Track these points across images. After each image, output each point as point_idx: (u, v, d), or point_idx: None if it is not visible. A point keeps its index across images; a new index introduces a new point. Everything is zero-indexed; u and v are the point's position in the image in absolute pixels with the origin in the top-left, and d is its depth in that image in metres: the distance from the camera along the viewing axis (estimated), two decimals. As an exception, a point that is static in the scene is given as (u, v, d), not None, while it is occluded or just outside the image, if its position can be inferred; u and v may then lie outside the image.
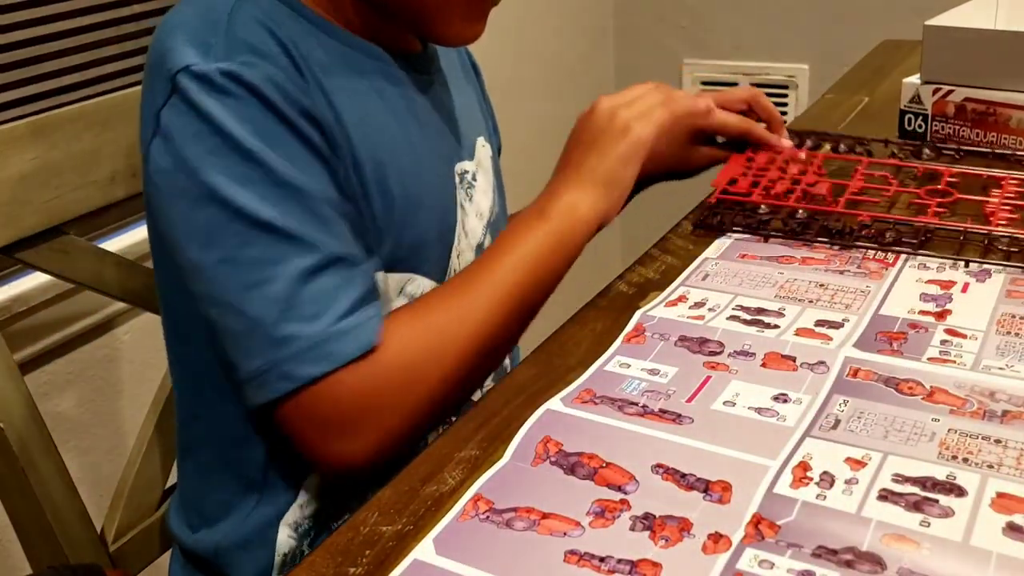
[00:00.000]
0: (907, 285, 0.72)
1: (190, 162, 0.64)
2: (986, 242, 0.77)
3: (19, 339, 1.12)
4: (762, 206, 0.86)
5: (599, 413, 0.59)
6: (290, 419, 0.65)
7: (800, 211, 0.84)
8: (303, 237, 0.63)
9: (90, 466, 1.20)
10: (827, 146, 0.98)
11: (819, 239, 0.80)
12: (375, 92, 0.74)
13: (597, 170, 0.75)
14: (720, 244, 0.82)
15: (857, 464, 0.53)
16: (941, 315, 0.68)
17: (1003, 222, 0.80)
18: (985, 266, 0.74)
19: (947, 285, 0.72)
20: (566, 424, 0.59)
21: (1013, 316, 0.67)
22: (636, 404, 0.60)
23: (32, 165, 0.77)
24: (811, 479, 0.52)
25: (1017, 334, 0.65)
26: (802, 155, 0.95)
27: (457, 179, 0.81)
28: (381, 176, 0.72)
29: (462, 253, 0.80)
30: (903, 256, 0.77)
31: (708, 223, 0.85)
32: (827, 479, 0.52)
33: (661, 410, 0.59)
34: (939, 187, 0.87)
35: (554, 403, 0.61)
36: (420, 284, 0.76)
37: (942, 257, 0.76)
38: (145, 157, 0.67)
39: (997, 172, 0.89)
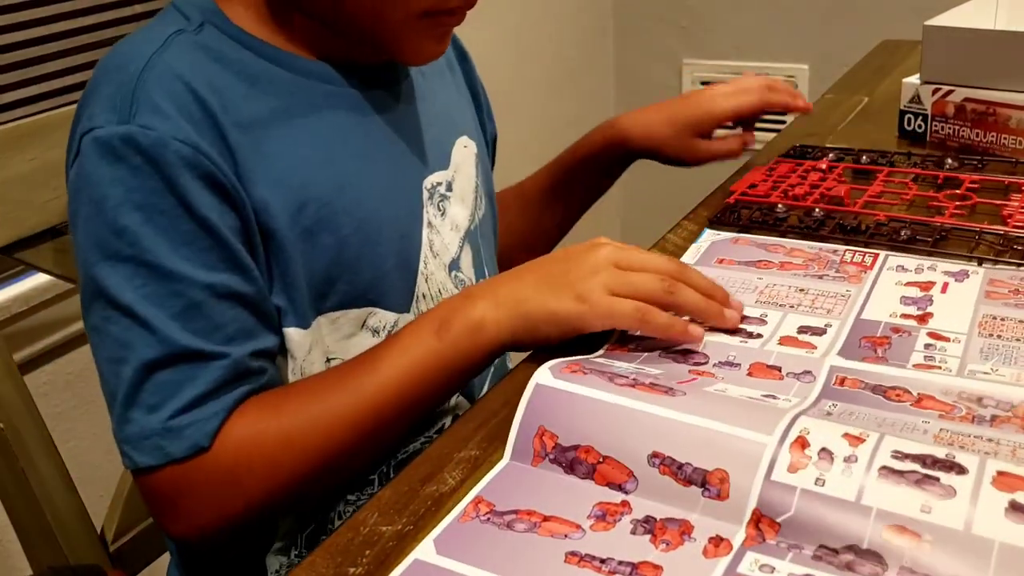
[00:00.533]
0: (887, 288, 0.72)
1: (77, 229, 0.65)
2: (1001, 242, 0.77)
3: (19, 339, 1.12)
4: (779, 205, 0.87)
5: (589, 385, 0.58)
6: (138, 486, 0.67)
7: (816, 210, 0.85)
8: (155, 328, 0.62)
9: (90, 466, 1.20)
10: (849, 158, 0.98)
11: (834, 236, 0.80)
12: (325, 124, 0.71)
13: (526, 304, 0.65)
14: (697, 249, 0.81)
15: (856, 440, 0.52)
16: (923, 318, 0.68)
17: (1021, 224, 0.80)
18: (963, 266, 0.74)
19: (926, 286, 0.72)
20: (559, 404, 0.57)
21: (994, 318, 0.67)
22: (626, 377, 0.59)
23: (32, 165, 0.77)
24: (809, 458, 0.51)
25: (999, 336, 0.65)
26: (823, 165, 0.95)
27: (426, 195, 0.78)
28: (330, 215, 0.69)
29: (431, 276, 0.77)
30: (880, 258, 0.77)
31: (725, 220, 0.86)
32: (826, 456, 0.51)
33: (652, 384, 0.58)
34: (958, 192, 0.87)
35: (543, 375, 0.59)
36: (382, 317, 0.74)
37: (919, 257, 0.76)
38: None
39: (1020, 179, 0.89)
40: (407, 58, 0.75)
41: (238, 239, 0.65)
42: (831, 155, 0.98)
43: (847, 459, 0.51)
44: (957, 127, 1.01)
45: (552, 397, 0.58)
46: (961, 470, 0.50)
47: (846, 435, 0.53)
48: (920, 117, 1.04)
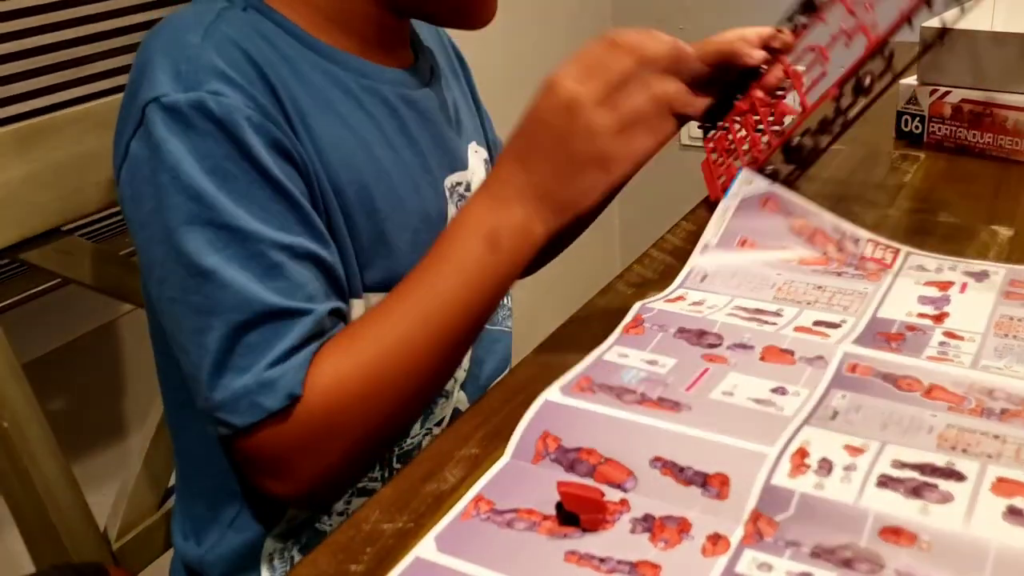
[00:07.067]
0: (905, 287, 0.73)
1: (146, 198, 0.64)
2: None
3: (21, 339, 1.12)
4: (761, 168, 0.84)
5: (597, 402, 0.59)
6: (232, 452, 0.67)
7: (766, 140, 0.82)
8: (240, 290, 0.62)
9: (93, 465, 1.21)
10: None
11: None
12: (362, 112, 0.73)
13: (560, 195, 0.64)
14: (721, 217, 0.80)
15: (855, 451, 0.53)
16: (939, 318, 0.68)
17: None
18: (984, 266, 0.75)
19: (945, 286, 0.72)
20: (565, 416, 0.59)
21: (1011, 319, 0.67)
22: (634, 392, 0.60)
23: (34, 166, 0.78)
24: (809, 466, 0.52)
25: (1015, 336, 0.65)
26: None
27: (447, 193, 0.79)
28: (366, 199, 0.71)
29: None
30: (901, 256, 0.77)
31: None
32: (825, 465, 0.52)
33: (660, 398, 0.59)
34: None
35: (552, 393, 0.61)
36: None
37: (940, 256, 0.77)
38: (116, 180, 0.68)
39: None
40: (475, 17, 0.75)
41: (308, 204, 0.67)
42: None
43: (847, 467, 0.52)
44: (954, 128, 1.02)
45: (558, 410, 0.59)
46: (960, 477, 0.50)
47: (847, 446, 0.54)
48: (917, 118, 1.04)
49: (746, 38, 0.85)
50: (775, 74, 0.81)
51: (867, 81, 0.74)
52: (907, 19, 0.75)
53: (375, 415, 0.65)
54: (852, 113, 0.76)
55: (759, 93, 0.82)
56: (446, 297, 0.65)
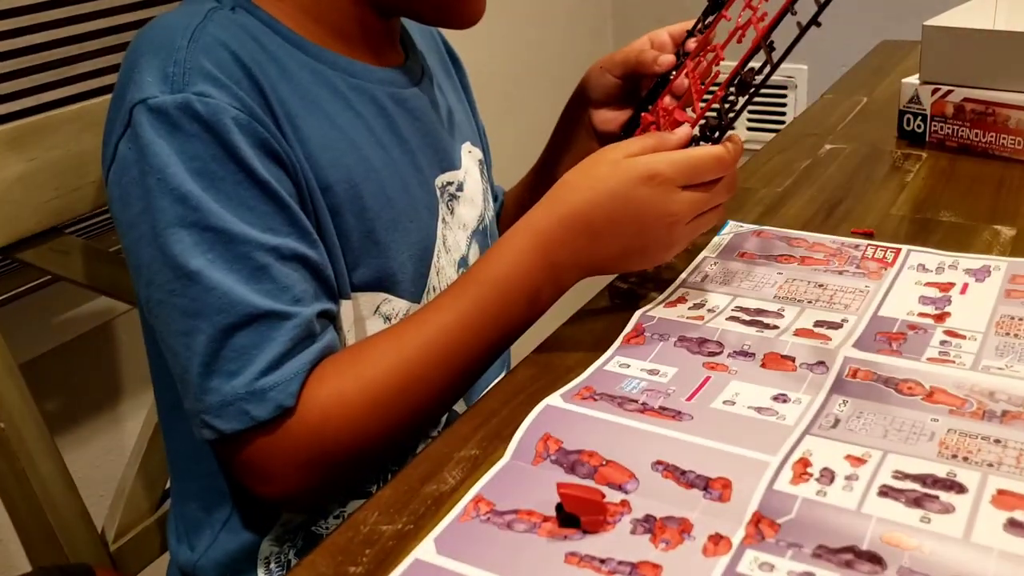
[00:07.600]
0: (906, 287, 0.72)
1: (134, 200, 0.64)
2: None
3: (19, 339, 1.12)
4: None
5: (599, 409, 0.59)
6: (217, 454, 0.68)
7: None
8: (227, 292, 0.62)
9: (90, 466, 1.20)
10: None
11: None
12: (351, 111, 0.73)
13: (607, 270, 0.71)
14: (718, 242, 0.82)
15: (857, 461, 0.53)
16: (940, 317, 0.68)
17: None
18: (984, 264, 0.74)
19: (946, 287, 0.72)
20: (566, 420, 0.59)
21: (1012, 317, 0.67)
22: (636, 401, 0.60)
23: (32, 165, 0.77)
24: (811, 475, 0.52)
25: (1016, 335, 0.65)
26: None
27: (439, 193, 0.79)
28: (355, 198, 0.71)
29: (442, 270, 0.79)
30: (901, 256, 0.77)
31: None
32: (827, 475, 0.52)
33: (661, 407, 0.59)
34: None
35: (554, 399, 0.61)
36: (395, 305, 0.75)
37: (941, 253, 0.77)
38: (105, 181, 0.68)
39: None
40: (461, 16, 0.75)
41: (296, 204, 0.67)
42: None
43: (848, 477, 0.52)
44: (956, 127, 1.01)
45: (560, 415, 0.59)
46: (961, 489, 0.50)
47: (848, 456, 0.54)
48: (919, 117, 1.04)
49: (659, 41, 0.82)
50: (682, 80, 0.77)
51: (748, 78, 0.70)
52: (787, 9, 0.70)
53: (372, 438, 0.66)
54: (732, 115, 0.70)
55: (667, 100, 0.78)
56: (476, 345, 0.68)
